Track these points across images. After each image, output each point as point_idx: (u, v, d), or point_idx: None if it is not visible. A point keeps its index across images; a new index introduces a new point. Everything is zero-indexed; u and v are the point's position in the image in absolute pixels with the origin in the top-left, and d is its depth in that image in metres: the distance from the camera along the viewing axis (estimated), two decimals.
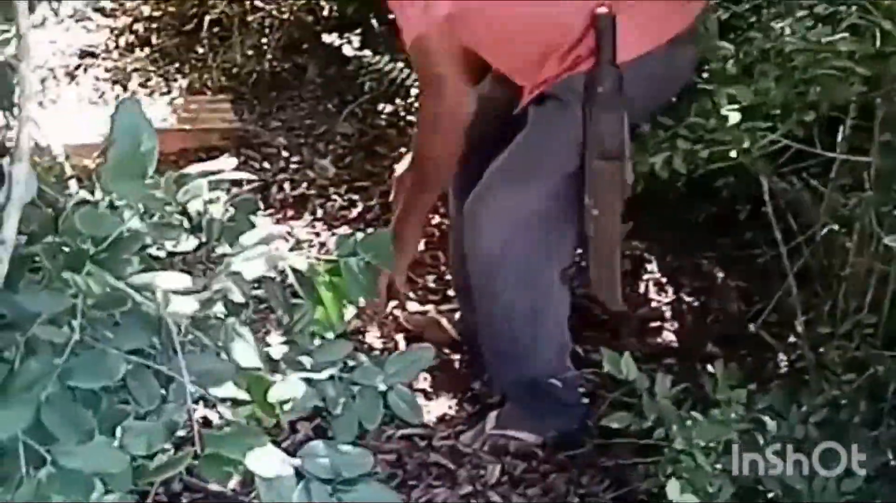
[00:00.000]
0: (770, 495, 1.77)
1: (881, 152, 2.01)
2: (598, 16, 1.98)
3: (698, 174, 2.19)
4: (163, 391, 1.32)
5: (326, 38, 3.28)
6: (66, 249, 1.33)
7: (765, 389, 2.09)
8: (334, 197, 3.17)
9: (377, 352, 2.49)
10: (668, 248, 2.94)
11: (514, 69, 2.17)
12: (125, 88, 3.70)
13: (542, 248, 2.17)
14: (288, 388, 1.40)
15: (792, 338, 2.48)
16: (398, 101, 3.25)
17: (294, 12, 3.74)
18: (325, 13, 3.77)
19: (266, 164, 3.32)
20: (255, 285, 1.70)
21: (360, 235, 1.68)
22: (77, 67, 3.79)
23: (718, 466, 1.75)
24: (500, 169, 2.16)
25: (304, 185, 3.23)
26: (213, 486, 2.12)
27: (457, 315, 2.61)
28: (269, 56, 3.71)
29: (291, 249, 2.84)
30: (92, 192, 1.39)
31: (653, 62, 2.04)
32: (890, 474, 1.81)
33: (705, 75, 2.09)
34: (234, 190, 3.01)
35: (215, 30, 3.84)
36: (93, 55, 3.90)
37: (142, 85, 3.71)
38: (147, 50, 3.93)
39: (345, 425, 1.48)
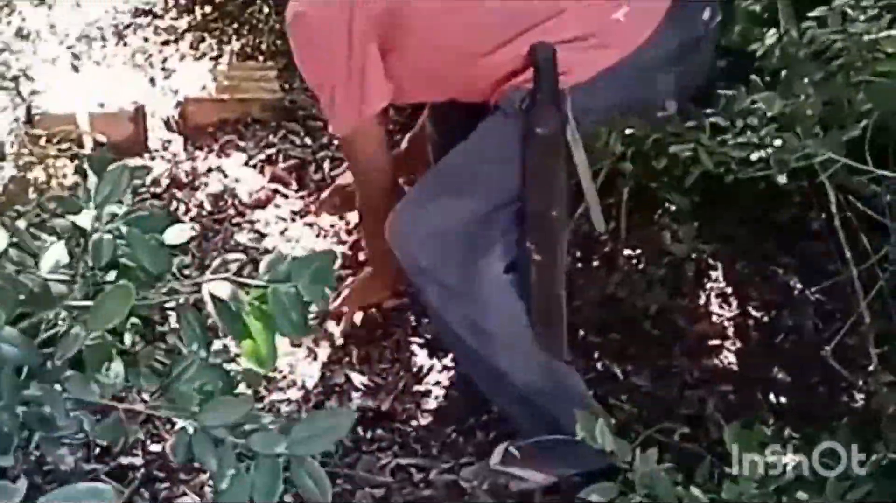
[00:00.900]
0: None
1: None
2: (535, 47, 1.82)
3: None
4: None
5: None
6: None
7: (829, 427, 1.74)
8: None
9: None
10: (738, 253, 2.56)
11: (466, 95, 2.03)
12: (176, 50, 3.47)
13: (471, 261, 1.93)
14: None
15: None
16: None
17: None
18: None
19: (308, 140, 3.04)
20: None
21: (294, 256, 1.40)
22: (127, 27, 3.58)
23: None
24: (430, 178, 2.05)
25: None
26: None
27: None
28: None
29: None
30: None
31: (627, 68, 1.86)
32: None
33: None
34: (269, 169, 2.85)
35: None
36: (149, 13, 3.68)
37: (192, 47, 3.47)
38: (208, 8, 3.69)
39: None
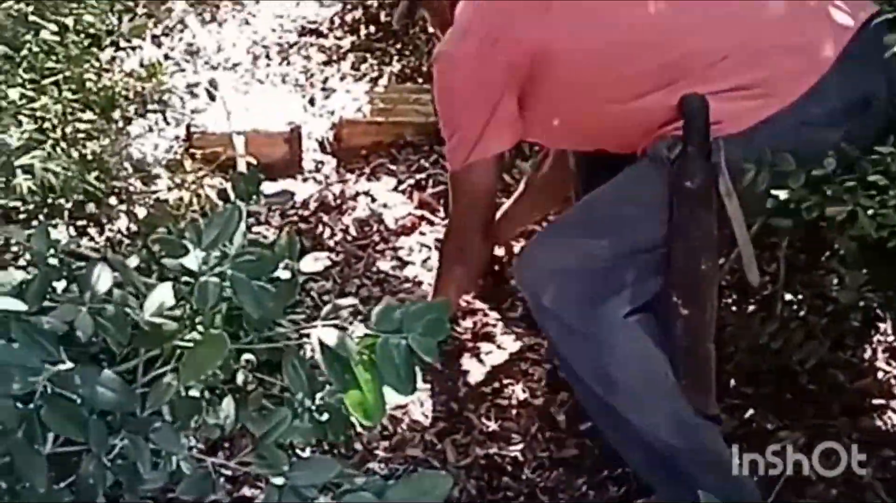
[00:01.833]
0: None
1: None
2: (686, 97, 1.73)
3: None
4: None
5: None
6: None
7: None
8: None
9: None
10: None
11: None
12: (338, 70, 3.48)
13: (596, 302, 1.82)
14: None
15: None
16: None
17: None
18: None
19: None
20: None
21: (409, 306, 1.33)
22: (293, 45, 3.62)
23: None
24: (565, 216, 2.03)
25: None
26: None
27: None
28: None
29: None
30: None
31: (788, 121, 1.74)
32: None
33: None
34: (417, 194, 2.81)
35: None
36: (315, 32, 3.71)
37: (353, 67, 3.48)
38: (373, 28, 3.70)
39: None
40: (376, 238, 2.70)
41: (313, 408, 1.37)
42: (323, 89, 3.37)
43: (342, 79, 3.44)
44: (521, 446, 2.09)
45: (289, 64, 3.53)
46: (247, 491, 1.94)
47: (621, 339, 1.81)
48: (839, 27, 1.79)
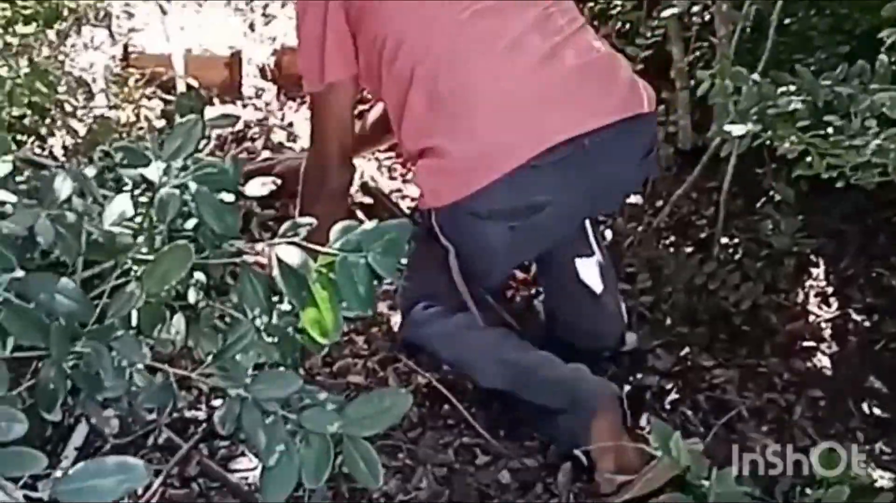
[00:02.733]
0: None
1: None
2: None
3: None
4: None
5: None
6: None
7: None
8: None
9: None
10: (843, 251, 2.42)
11: None
12: None
13: None
14: None
15: None
16: None
17: None
18: None
19: None
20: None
21: (367, 226, 1.33)
22: None
23: None
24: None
25: None
26: (232, 475, 1.85)
27: None
28: None
29: None
30: None
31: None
32: None
33: None
34: (358, 123, 2.77)
35: None
36: None
37: None
38: None
39: (278, 481, 1.15)
40: None
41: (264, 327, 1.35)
42: (264, 14, 3.30)
43: (283, 5, 3.36)
44: (461, 376, 2.10)
45: None
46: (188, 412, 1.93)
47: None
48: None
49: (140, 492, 1.67)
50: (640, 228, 2.49)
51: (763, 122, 1.60)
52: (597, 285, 2.12)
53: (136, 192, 1.32)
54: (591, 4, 2.67)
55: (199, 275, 1.41)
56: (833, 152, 1.51)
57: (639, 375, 2.16)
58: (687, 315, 2.28)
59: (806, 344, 2.26)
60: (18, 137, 2.00)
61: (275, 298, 1.36)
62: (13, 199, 1.07)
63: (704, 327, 2.27)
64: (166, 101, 2.65)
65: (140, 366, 1.11)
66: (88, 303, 1.17)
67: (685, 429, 2.00)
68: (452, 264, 2.02)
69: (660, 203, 2.57)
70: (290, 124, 2.81)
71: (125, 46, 2.89)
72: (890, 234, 2.42)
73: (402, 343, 2.14)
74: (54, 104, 1.99)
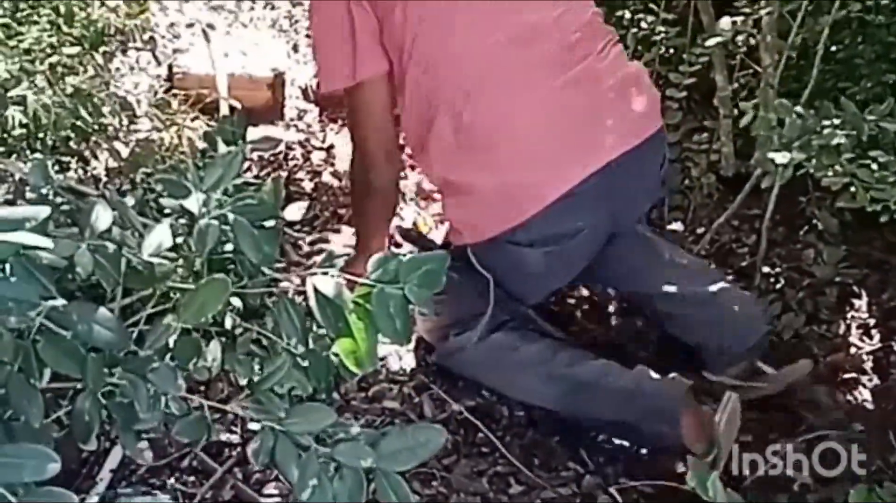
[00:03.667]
0: None
1: None
2: None
3: None
4: None
5: None
6: None
7: None
8: None
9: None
10: (886, 283, 2.38)
11: None
12: None
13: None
14: None
15: None
16: None
17: None
18: None
19: None
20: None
21: (406, 256, 1.33)
22: None
23: None
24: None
25: None
26: (265, 500, 1.86)
27: None
28: None
29: None
30: None
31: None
32: None
33: None
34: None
35: None
36: None
37: None
38: None
39: None
40: None
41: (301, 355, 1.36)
42: (307, 36, 3.33)
43: None
44: (496, 402, 2.09)
45: (273, 8, 3.48)
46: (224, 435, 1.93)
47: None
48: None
49: None
50: None
51: (806, 153, 1.58)
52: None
53: (177, 220, 1.32)
54: (635, 31, 2.65)
55: (236, 301, 1.42)
56: (877, 186, 1.49)
57: None
58: None
59: (847, 376, 2.23)
60: (62, 159, 2.02)
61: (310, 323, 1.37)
62: (49, 244, 1.07)
63: None
64: (209, 124, 2.67)
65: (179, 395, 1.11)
66: (126, 334, 1.18)
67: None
68: (490, 290, 2.02)
69: (701, 230, 2.55)
70: (332, 146, 2.82)
71: (170, 67, 2.92)
72: None
73: (439, 370, 2.13)
74: (97, 127, 2.01)
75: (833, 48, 2.38)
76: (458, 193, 2.00)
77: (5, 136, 1.77)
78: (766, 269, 2.39)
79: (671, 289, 2.11)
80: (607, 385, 1.98)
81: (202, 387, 1.88)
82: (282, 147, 2.79)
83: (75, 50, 2.06)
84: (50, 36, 1.87)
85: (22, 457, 0.94)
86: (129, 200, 1.34)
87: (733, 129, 2.52)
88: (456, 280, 1.92)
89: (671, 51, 2.70)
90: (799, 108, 1.61)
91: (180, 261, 1.31)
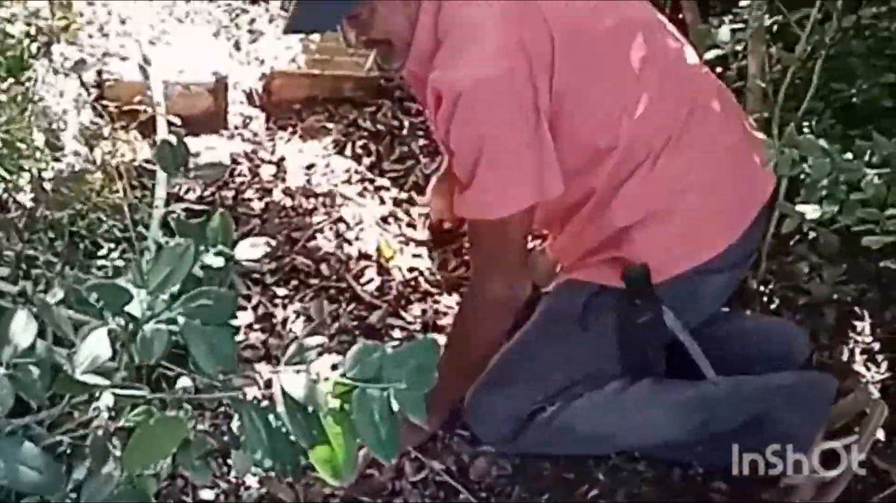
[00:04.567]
0: None
1: None
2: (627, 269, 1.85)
3: None
4: None
5: None
6: None
7: None
8: None
9: None
10: (888, 299, 2.23)
11: None
12: (266, 9, 3.16)
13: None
14: None
15: None
16: None
17: None
18: None
19: (405, 121, 2.75)
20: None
21: (391, 347, 1.12)
22: None
23: None
24: (506, 360, 1.97)
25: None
26: None
27: None
28: None
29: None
30: None
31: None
32: None
33: None
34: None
35: None
36: None
37: (284, 8, 3.15)
38: None
39: None
40: (311, 207, 2.44)
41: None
42: (250, 31, 3.07)
43: (271, 20, 3.13)
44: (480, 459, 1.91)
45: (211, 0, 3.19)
46: None
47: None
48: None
49: None
50: None
51: (835, 197, 1.40)
52: None
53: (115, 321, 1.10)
54: None
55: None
56: None
57: None
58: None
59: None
60: None
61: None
62: None
63: None
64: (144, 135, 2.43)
65: None
66: (57, 474, 0.97)
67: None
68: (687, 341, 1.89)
69: None
70: (282, 159, 2.58)
71: (99, 73, 2.65)
72: None
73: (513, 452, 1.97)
74: (19, 169, 1.76)
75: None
76: (657, 224, 1.86)
77: None
78: (760, 288, 2.22)
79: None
80: (742, 387, 1.92)
81: None
82: (226, 160, 2.54)
83: None
84: None
85: None
86: (58, 293, 1.12)
87: None
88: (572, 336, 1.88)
89: None
90: (823, 143, 1.43)
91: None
